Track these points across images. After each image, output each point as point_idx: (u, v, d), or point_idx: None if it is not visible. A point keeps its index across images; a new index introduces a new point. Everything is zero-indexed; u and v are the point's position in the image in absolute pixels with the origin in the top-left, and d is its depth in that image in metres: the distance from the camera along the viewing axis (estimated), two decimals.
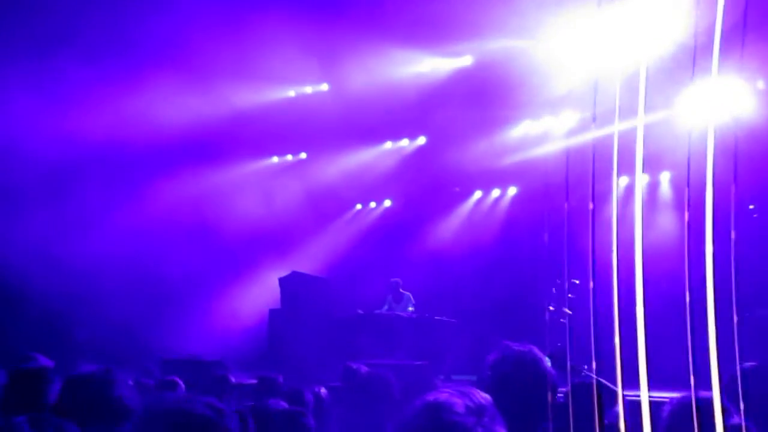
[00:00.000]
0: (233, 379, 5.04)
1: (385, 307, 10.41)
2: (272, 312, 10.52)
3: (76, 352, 8.94)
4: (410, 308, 10.17)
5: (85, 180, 10.46)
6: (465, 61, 10.88)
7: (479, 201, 11.99)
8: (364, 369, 5.22)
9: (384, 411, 3.77)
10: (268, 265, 11.41)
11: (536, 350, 2.82)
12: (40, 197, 10.22)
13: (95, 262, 9.85)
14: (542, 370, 2.73)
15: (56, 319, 9.72)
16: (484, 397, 1.92)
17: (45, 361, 3.39)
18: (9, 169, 9.56)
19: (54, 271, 9.51)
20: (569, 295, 9.37)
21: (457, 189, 11.30)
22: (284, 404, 3.45)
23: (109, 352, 9.30)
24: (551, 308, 8.23)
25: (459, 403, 1.84)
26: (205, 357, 8.58)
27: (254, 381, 5.06)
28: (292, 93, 12.14)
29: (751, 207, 9.44)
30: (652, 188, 10.39)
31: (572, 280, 10.31)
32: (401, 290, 10.33)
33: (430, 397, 1.86)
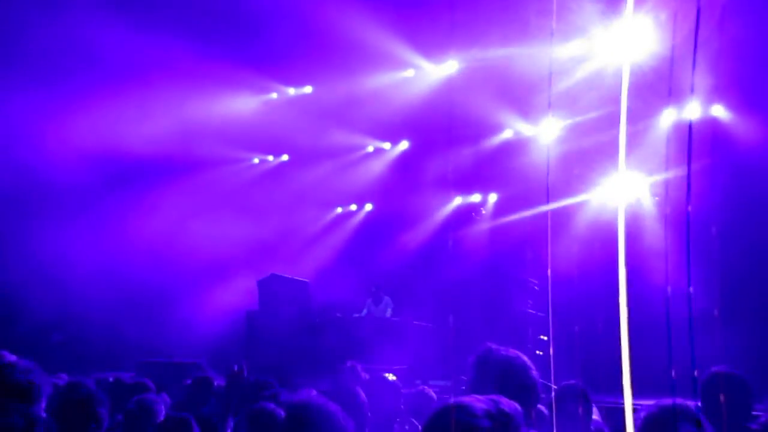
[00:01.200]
0: (215, 382, 5.02)
1: (365, 310, 10.41)
2: (249, 313, 10.46)
3: (54, 355, 8.88)
4: (389, 312, 10.18)
5: (64, 194, 10.39)
6: (450, 67, 10.95)
7: (459, 206, 12.03)
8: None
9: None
10: (248, 268, 11.35)
11: (524, 356, 2.76)
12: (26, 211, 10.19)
13: (74, 273, 9.78)
14: (532, 379, 2.66)
15: (33, 323, 9.62)
16: (513, 406, 1.92)
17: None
18: None
19: (35, 279, 9.46)
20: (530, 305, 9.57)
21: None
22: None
23: (87, 355, 9.23)
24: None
25: (480, 407, 1.85)
26: (182, 359, 8.52)
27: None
28: (274, 95, 12.12)
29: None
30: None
31: (532, 280, 10.39)
32: (381, 294, 10.33)
33: (457, 399, 1.89)
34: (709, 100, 9.43)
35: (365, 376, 4.58)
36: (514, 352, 2.70)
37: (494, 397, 1.92)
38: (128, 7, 9.53)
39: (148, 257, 10.58)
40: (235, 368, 3.86)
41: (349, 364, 4.66)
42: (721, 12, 8.30)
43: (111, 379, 5.45)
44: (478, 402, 1.87)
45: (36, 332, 9.69)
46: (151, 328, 10.49)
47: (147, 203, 11.06)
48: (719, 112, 9.56)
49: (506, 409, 1.88)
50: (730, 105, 9.40)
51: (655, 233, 9.44)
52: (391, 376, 4.78)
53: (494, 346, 2.69)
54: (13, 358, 3.73)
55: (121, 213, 10.95)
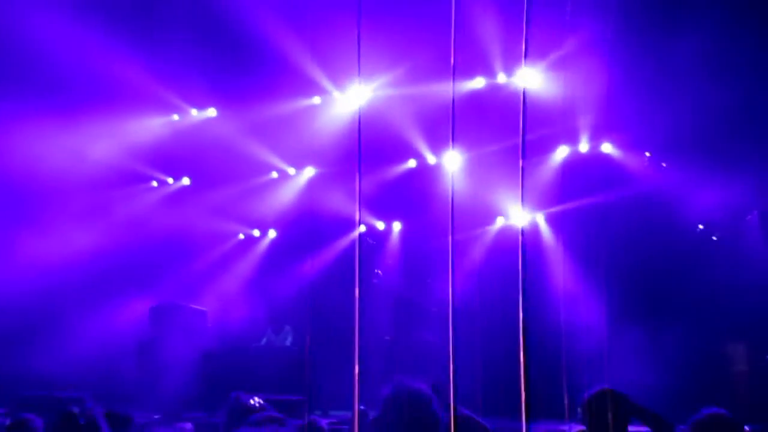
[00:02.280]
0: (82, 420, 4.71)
1: (264, 339, 10.17)
2: (142, 344, 9.99)
3: None
4: (289, 341, 9.99)
5: None
6: (359, 95, 11.03)
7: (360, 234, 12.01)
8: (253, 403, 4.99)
9: None
10: (142, 294, 10.88)
11: (426, 389, 2.89)
12: None
13: None
14: (433, 411, 2.81)
15: None
16: None
17: None
18: None
19: None
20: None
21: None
22: None
23: None
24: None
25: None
26: (65, 393, 8.00)
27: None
28: (175, 117, 11.80)
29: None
30: None
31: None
32: (282, 323, 10.15)
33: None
34: (598, 138, 9.98)
35: (254, 405, 4.41)
36: (420, 384, 2.80)
37: None
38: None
39: (32, 285, 9.96)
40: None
41: (233, 395, 4.49)
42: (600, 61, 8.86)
43: None
44: None
45: None
46: (35, 358, 9.84)
47: (34, 224, 10.47)
48: (608, 148, 10.12)
49: None
50: (616, 142, 9.99)
51: (552, 260, 9.79)
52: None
53: (403, 379, 2.78)
54: None
55: (3, 239, 10.31)
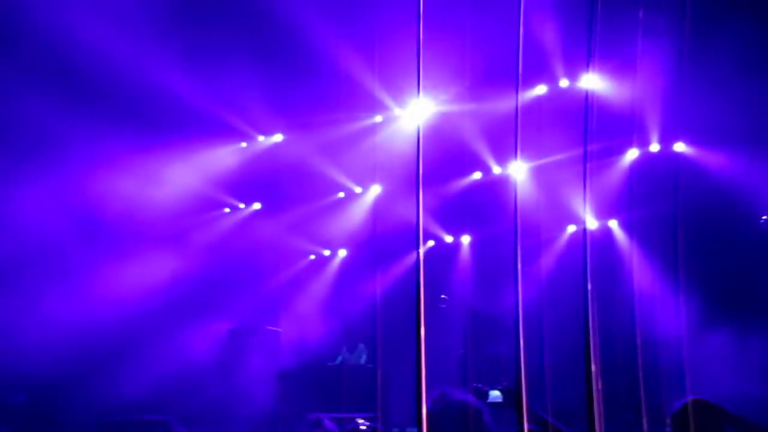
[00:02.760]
0: None
1: (339, 358, 10.25)
2: (219, 363, 10.23)
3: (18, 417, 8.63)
4: (363, 359, 10.03)
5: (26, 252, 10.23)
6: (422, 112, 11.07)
7: (429, 249, 12.00)
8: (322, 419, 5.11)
9: None
10: (219, 317, 11.17)
11: (475, 400, 2.83)
12: None
13: (36, 330, 9.56)
14: (483, 423, 2.74)
15: None
16: None
17: None
18: None
19: None
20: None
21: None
22: None
23: (51, 415, 8.94)
24: None
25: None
26: (148, 416, 8.26)
27: None
28: (243, 144, 12.12)
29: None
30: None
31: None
32: (355, 341, 10.21)
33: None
34: (671, 138, 9.67)
35: (330, 426, 4.47)
36: (469, 397, 2.75)
37: None
38: None
39: (114, 312, 10.35)
40: None
41: (314, 416, 4.56)
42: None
43: None
44: None
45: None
46: (120, 384, 10.21)
47: (115, 252, 10.88)
48: (681, 148, 9.77)
49: None
50: (691, 141, 9.63)
51: (629, 265, 9.53)
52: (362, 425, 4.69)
53: (450, 391, 2.72)
54: None
55: (85, 268, 10.75)
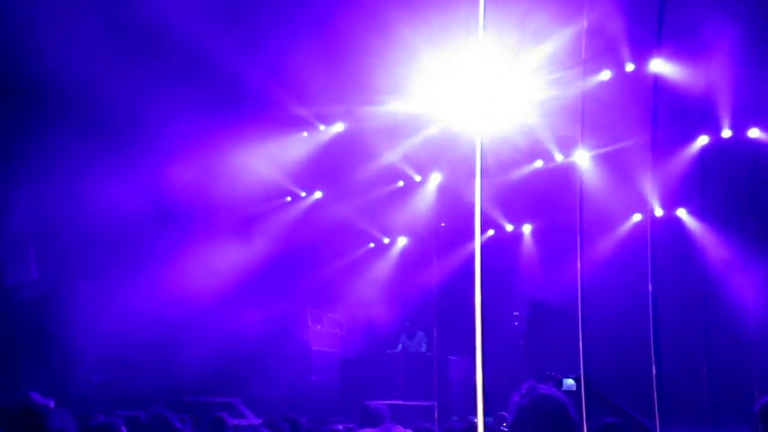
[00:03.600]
0: (230, 421, 5.05)
1: (399, 346, 10.31)
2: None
3: (94, 396, 9.01)
4: (424, 346, 10.06)
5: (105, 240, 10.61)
6: None
7: (491, 238, 11.91)
8: (383, 408, 5.20)
9: None
10: (284, 301, 11.37)
11: (562, 395, 2.82)
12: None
13: (115, 313, 9.94)
14: (570, 418, 2.73)
15: (76, 364, 9.78)
16: None
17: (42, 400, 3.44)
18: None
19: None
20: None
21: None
22: None
23: (125, 395, 9.32)
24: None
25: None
26: (214, 398, 8.52)
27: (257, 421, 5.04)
28: (305, 134, 12.26)
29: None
30: None
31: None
32: (415, 328, 10.24)
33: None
34: (743, 124, 9.28)
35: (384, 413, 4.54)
36: (556, 391, 2.74)
37: None
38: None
39: (188, 295, 10.65)
40: None
41: (364, 404, 4.64)
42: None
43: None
44: None
45: (78, 373, 9.84)
46: (188, 367, 10.52)
47: (186, 243, 11.17)
48: (756, 133, 9.37)
49: None
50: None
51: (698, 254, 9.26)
52: None
53: (538, 386, 2.73)
54: (43, 401, 3.80)
55: (159, 252, 11.07)
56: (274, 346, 10.89)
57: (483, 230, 11.28)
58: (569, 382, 3.80)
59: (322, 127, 12.34)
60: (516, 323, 10.23)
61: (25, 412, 2.92)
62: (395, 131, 11.33)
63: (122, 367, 10.01)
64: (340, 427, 5.47)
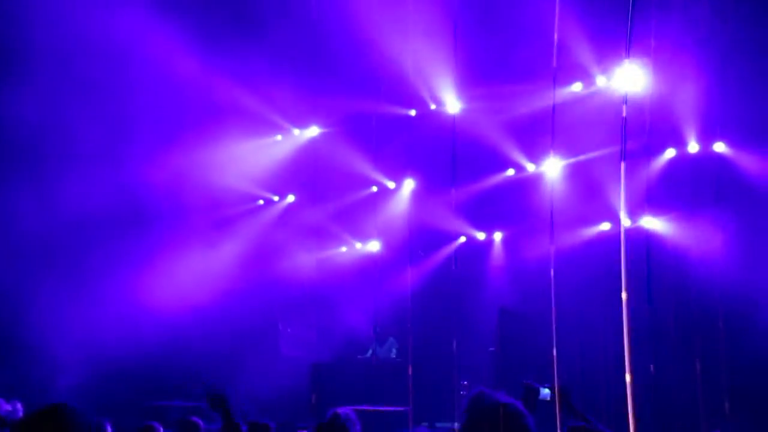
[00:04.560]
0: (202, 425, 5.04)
1: (369, 351, 10.34)
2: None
3: None
4: (394, 352, 10.11)
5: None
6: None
7: (464, 244, 12.00)
8: (350, 414, 5.20)
9: None
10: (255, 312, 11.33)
11: (515, 403, 2.74)
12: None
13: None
14: (522, 426, 2.64)
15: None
16: None
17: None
18: None
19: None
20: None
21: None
22: None
23: None
24: None
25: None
26: (186, 403, 8.48)
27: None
28: (278, 137, 12.24)
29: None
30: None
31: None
32: (385, 334, 10.28)
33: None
34: (709, 138, 9.49)
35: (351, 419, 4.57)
36: (506, 398, 2.69)
37: None
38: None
39: (157, 298, 10.55)
40: None
41: (334, 411, 4.66)
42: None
43: None
44: None
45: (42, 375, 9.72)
46: (160, 371, 10.43)
47: (155, 245, 11.05)
48: (721, 148, 9.58)
49: None
50: (731, 142, 9.42)
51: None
52: None
53: (486, 391, 2.68)
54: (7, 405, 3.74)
55: (128, 254, 10.94)
56: (245, 351, 10.85)
57: (454, 238, 11.37)
58: (545, 392, 3.85)
59: (296, 131, 12.35)
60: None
61: (54, 416, 2.75)
62: (369, 136, 11.37)
63: (89, 370, 9.89)
64: None
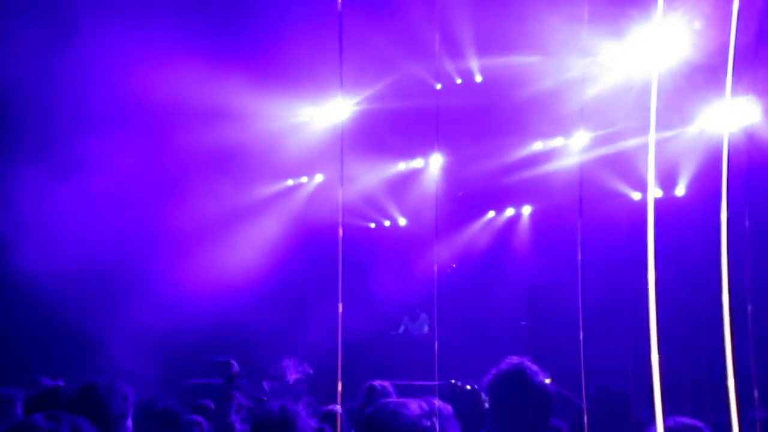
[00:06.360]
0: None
1: (402, 327, 10.47)
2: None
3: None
4: (426, 328, 10.22)
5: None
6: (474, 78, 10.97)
7: (492, 220, 12.02)
8: (388, 387, 5.26)
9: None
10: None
11: (527, 363, 2.82)
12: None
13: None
14: (533, 385, 2.74)
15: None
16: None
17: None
18: None
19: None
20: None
21: (460, 193, 11.33)
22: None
23: None
24: None
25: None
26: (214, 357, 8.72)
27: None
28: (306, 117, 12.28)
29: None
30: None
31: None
32: (417, 311, 10.38)
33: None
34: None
35: (388, 392, 4.67)
36: (520, 360, 2.78)
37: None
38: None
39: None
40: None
41: (368, 384, 4.77)
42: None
43: None
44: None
45: None
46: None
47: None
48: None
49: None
50: None
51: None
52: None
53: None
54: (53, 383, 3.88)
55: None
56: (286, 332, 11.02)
57: (483, 213, 11.34)
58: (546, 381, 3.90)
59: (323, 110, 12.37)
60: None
61: (86, 393, 2.84)
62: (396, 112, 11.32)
63: (136, 352, 10.14)
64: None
